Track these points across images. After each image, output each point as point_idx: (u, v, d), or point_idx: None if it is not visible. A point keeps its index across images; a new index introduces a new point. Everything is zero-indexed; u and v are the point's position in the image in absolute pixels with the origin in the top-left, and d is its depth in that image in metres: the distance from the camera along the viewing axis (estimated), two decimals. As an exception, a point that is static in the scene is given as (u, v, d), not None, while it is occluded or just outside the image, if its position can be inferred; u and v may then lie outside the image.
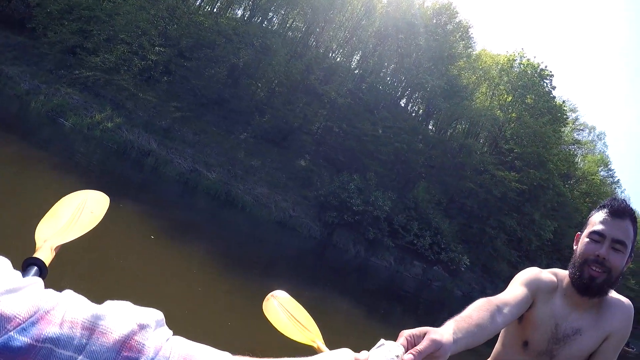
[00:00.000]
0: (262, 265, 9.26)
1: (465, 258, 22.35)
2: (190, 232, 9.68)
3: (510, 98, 27.04)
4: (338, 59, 28.00)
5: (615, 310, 1.63)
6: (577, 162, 38.39)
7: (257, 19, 27.13)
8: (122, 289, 5.14)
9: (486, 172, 24.00)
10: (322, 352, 1.66)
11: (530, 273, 1.70)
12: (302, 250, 17.14)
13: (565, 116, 29.74)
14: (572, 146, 38.52)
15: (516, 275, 1.73)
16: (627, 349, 39.69)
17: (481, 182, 23.76)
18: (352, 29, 27.24)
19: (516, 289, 1.62)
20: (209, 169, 19.05)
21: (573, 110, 39.57)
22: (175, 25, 21.85)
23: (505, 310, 1.44)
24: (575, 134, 39.57)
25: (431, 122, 29.28)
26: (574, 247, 1.64)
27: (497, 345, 1.79)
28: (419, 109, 30.09)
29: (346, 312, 7.71)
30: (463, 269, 22.60)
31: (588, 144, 41.85)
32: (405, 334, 0.95)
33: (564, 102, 29.69)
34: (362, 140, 22.81)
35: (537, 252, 29.42)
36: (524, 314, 1.62)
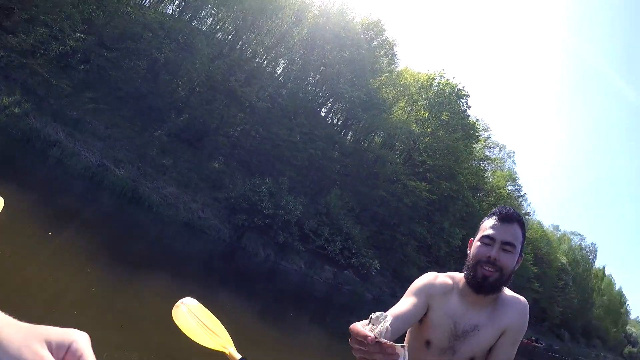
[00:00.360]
0: (170, 269, 8.80)
1: (375, 263, 22.97)
2: (92, 232, 9.01)
3: (426, 114, 28.31)
4: (264, 64, 28.00)
5: (510, 308, 1.76)
6: (487, 177, 40.87)
7: (187, 17, 26.55)
8: (11, 293, 4.68)
9: (399, 182, 24.91)
10: (234, 358, 1.96)
11: (424, 280, 1.83)
12: (211, 253, 16.72)
13: (477, 134, 31.64)
14: (483, 162, 40.99)
15: (413, 282, 1.86)
16: (536, 344, 42.50)
17: (393, 191, 24.62)
18: (280, 36, 27.38)
19: (408, 299, 1.74)
20: (118, 165, 18.22)
21: (485, 130, 42.20)
22: (101, 13, 20.80)
23: (397, 324, 1.54)
24: (486, 151, 42.21)
25: (350, 132, 30.02)
26: (468, 252, 1.76)
27: (406, 342, 1.86)
28: (338, 119, 30.75)
29: (256, 316, 7.54)
30: (374, 273, 23.21)
31: (498, 161, 44.71)
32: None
33: (477, 120, 31.63)
34: (278, 146, 22.86)
35: (447, 258, 30.87)
36: (423, 317, 1.75)
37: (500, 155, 45.60)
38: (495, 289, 1.70)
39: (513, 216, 1.70)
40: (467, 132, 29.51)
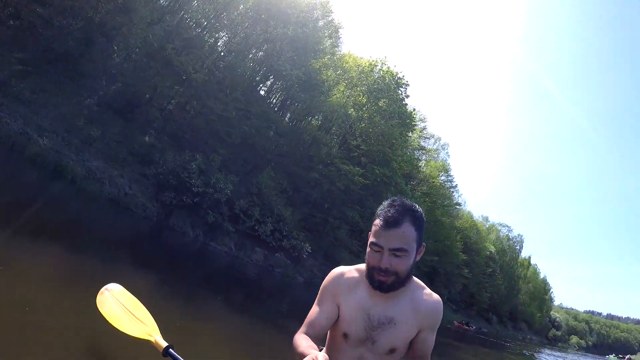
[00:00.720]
0: (94, 248, 8.02)
1: (307, 246, 22.83)
2: (7, 206, 7.98)
3: (364, 99, 28.30)
4: (205, 35, 26.77)
5: (426, 308, 1.81)
6: (420, 166, 41.84)
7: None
8: None
9: (333, 165, 24.81)
10: (160, 346, 2.00)
11: (329, 279, 1.90)
12: (137, 233, 15.85)
13: (413, 123, 32.13)
14: (418, 151, 41.89)
15: (323, 282, 1.95)
16: (466, 327, 44.64)
17: (327, 174, 24.48)
18: (224, 6, 26.20)
19: (317, 306, 1.83)
20: (41, 134, 16.83)
21: (422, 120, 43.26)
22: (35, -36, 18.75)
23: (317, 331, 1.74)
24: (421, 141, 43.16)
25: (288, 114, 29.62)
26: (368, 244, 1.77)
27: (327, 340, 1.92)
28: (277, 99, 30.21)
29: (184, 301, 7.02)
30: (305, 256, 23.10)
31: (432, 152, 45.91)
32: None
33: (414, 109, 32.04)
34: (212, 121, 22.11)
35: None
36: (339, 309, 1.82)
37: (435, 147, 46.92)
38: (394, 289, 1.72)
39: (399, 218, 1.66)
40: (403, 120, 29.77)
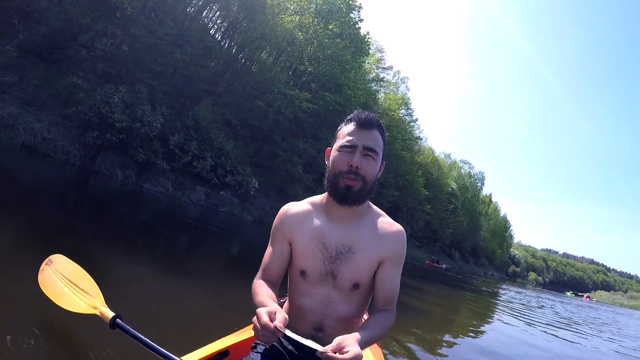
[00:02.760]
0: (16, 205, 6.53)
1: (253, 181, 20.84)
2: None
3: (311, 20, 25.67)
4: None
5: (387, 236, 1.66)
6: (379, 99, 40.02)
7: None
8: None
9: (279, 93, 22.56)
10: (107, 317, 1.98)
11: (277, 218, 1.75)
12: (59, 181, 13.71)
13: (367, 47, 29.63)
14: (376, 83, 39.90)
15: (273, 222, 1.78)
16: (438, 265, 44.52)
17: (272, 102, 22.24)
18: None
19: (270, 248, 1.73)
20: None
21: (380, 51, 40.90)
22: None
23: (272, 275, 1.70)
24: (380, 73, 40.93)
25: (233, 44, 26.69)
26: (326, 162, 1.67)
27: (288, 285, 1.78)
28: (218, 27, 27.21)
29: (122, 252, 5.81)
30: (252, 192, 21.17)
31: (391, 84, 43.99)
32: None
33: (367, 33, 29.49)
34: (136, 50, 19.40)
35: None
36: (292, 246, 1.70)
37: (394, 79, 44.97)
38: (361, 198, 1.60)
39: (372, 121, 1.60)
40: (356, 44, 27.44)
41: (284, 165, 23.71)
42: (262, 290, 1.56)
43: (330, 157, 1.63)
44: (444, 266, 47.35)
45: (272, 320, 1.29)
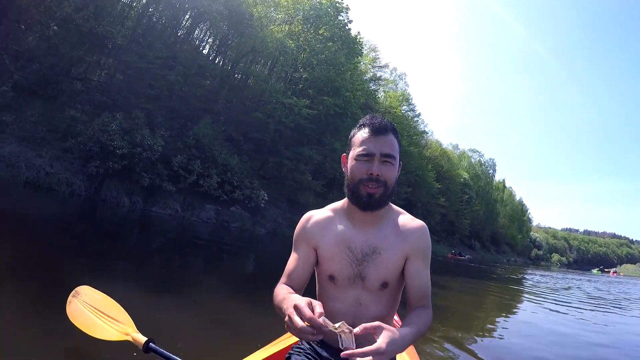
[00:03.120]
0: (27, 241, 6.54)
1: (262, 193, 20.63)
2: None
3: (300, 27, 25.53)
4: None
5: (409, 232, 1.66)
6: (379, 97, 39.73)
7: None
8: None
9: (277, 102, 22.37)
10: (140, 342, 2.02)
11: (299, 226, 1.74)
12: (65, 213, 13.61)
13: (359, 47, 29.40)
14: (374, 83, 39.63)
15: (295, 230, 1.77)
16: (460, 257, 44.69)
17: (271, 113, 22.06)
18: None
19: (294, 255, 1.72)
20: None
21: (373, 50, 40.70)
22: None
23: (296, 280, 1.66)
24: (376, 72, 40.68)
25: (225, 59, 26.63)
26: (343, 169, 1.67)
27: (317, 290, 1.77)
28: (210, 45, 27.13)
29: (144, 282, 5.74)
30: (263, 205, 20.96)
31: (390, 82, 43.70)
32: None
33: (358, 33, 29.27)
34: (128, 76, 19.39)
35: (342, 179, 29.44)
36: (317, 252, 1.69)
37: (392, 77, 44.66)
38: (383, 203, 1.61)
39: (387, 126, 1.60)
40: (348, 46, 27.22)
41: (291, 174, 23.50)
42: (283, 291, 1.54)
43: (349, 166, 1.63)
44: (467, 257, 46.89)
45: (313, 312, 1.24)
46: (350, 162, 1.61)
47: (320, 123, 24.51)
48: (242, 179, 20.15)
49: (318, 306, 1.24)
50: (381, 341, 1.23)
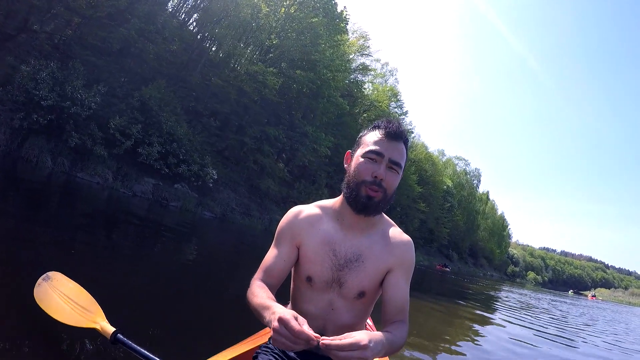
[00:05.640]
0: None
1: (212, 171, 18.05)
2: None
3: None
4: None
5: (396, 246, 1.64)
6: (366, 90, 37.46)
7: None
8: None
9: (240, 69, 19.81)
10: (107, 332, 2.01)
11: (286, 219, 1.70)
12: None
13: (343, 24, 26.76)
14: (361, 73, 37.22)
15: (279, 223, 1.72)
16: (444, 269, 43.72)
17: (233, 81, 19.41)
18: None
19: (274, 249, 1.66)
20: None
21: (364, 37, 38.20)
22: None
23: (274, 277, 1.61)
24: (365, 61, 38.17)
25: (194, 24, 23.92)
26: (346, 166, 1.64)
27: (291, 290, 1.77)
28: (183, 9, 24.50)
29: (54, 251, 4.92)
30: (211, 185, 18.40)
31: (379, 75, 41.37)
32: None
33: (345, 8, 26.68)
34: (76, 25, 16.85)
35: (317, 171, 27.06)
36: (300, 251, 1.65)
37: (382, 71, 42.37)
38: (379, 209, 1.59)
39: (402, 133, 1.57)
40: (332, 20, 24.61)
41: (252, 155, 20.84)
42: (262, 293, 1.47)
43: (353, 163, 1.59)
44: (449, 269, 46.58)
45: None
46: (356, 160, 1.57)
47: (291, 101, 22.07)
48: (190, 153, 17.55)
49: (305, 324, 1.19)
50: (360, 336, 1.18)
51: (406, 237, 1.68)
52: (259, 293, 1.46)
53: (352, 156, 1.61)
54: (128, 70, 17.89)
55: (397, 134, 1.53)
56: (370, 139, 1.55)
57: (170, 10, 23.33)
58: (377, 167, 1.50)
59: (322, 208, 1.69)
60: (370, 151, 1.52)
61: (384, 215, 1.69)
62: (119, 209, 13.14)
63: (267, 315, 1.30)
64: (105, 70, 16.93)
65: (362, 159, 1.53)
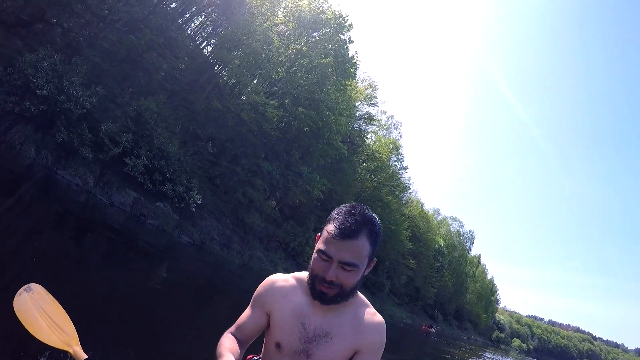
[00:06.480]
0: None
1: (196, 196, 17.48)
2: None
3: (293, 25, 22.89)
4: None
5: (366, 328, 1.63)
6: (368, 139, 37.35)
7: None
8: None
9: (241, 97, 19.53)
10: (80, 357, 1.94)
11: (261, 286, 1.74)
12: None
13: (352, 70, 26.73)
14: (365, 123, 37.21)
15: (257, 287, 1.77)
16: (430, 330, 43.20)
17: (233, 108, 19.05)
18: None
19: (248, 310, 1.74)
20: None
21: (372, 87, 38.45)
22: None
23: (244, 335, 1.71)
24: (370, 111, 38.24)
25: (206, 44, 23.91)
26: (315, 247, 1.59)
27: (262, 349, 1.78)
28: (201, 31, 24.55)
29: (19, 254, 4.83)
30: (194, 209, 17.80)
31: (383, 126, 41.44)
32: None
33: (356, 53, 26.70)
34: (87, 23, 16.88)
35: (307, 214, 26.48)
36: (270, 318, 1.69)
37: (386, 123, 42.48)
38: (336, 302, 1.58)
39: (356, 231, 1.48)
40: (341, 64, 24.58)
41: (242, 187, 20.29)
42: (226, 344, 1.59)
43: (313, 255, 1.58)
44: (434, 330, 45.46)
45: None
46: (314, 253, 1.56)
47: (290, 139, 21.75)
48: (178, 173, 17.05)
49: None
50: None
51: (378, 319, 1.67)
52: (223, 343, 1.58)
53: (317, 241, 1.58)
54: (131, 79, 17.73)
55: (351, 233, 1.45)
56: (325, 234, 1.51)
57: (189, 32, 23.52)
58: (327, 268, 1.48)
59: (298, 280, 1.70)
60: (320, 250, 1.50)
61: (359, 294, 1.67)
62: (95, 217, 12.72)
63: None
64: (108, 74, 16.82)
65: (316, 256, 1.53)
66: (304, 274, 1.70)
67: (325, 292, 1.51)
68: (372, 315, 1.66)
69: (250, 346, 1.80)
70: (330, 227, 1.49)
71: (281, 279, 1.72)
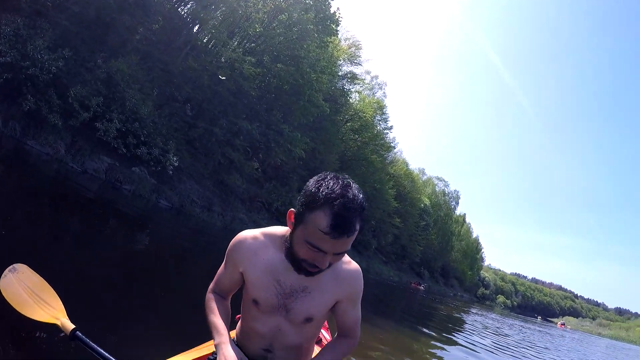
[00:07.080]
0: None
1: (173, 158, 17.08)
2: None
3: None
4: None
5: (344, 277, 1.64)
6: (351, 98, 36.76)
7: None
8: None
9: (217, 54, 18.87)
10: (67, 329, 1.99)
11: (232, 244, 1.70)
12: None
13: (334, 26, 25.90)
14: (348, 82, 36.45)
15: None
16: (418, 287, 44.68)
17: (207, 65, 18.42)
18: None
19: (223, 268, 1.75)
20: None
21: (356, 46, 37.52)
22: None
23: (224, 291, 1.77)
24: (355, 69, 37.44)
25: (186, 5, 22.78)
26: (288, 224, 1.52)
27: (242, 306, 1.78)
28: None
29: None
30: (171, 172, 17.44)
31: (367, 85, 40.81)
32: None
33: (338, 9, 25.87)
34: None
35: (287, 171, 26.20)
36: (244, 276, 1.68)
37: (371, 83, 41.80)
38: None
39: (353, 226, 1.36)
40: (322, 20, 23.76)
41: (221, 147, 19.84)
42: (217, 312, 1.66)
43: (295, 239, 1.47)
44: (423, 287, 46.58)
45: None
46: (297, 238, 1.44)
47: (270, 98, 21.22)
48: (153, 136, 16.58)
49: None
50: None
51: (354, 267, 1.67)
52: (215, 311, 1.64)
53: (295, 221, 1.45)
54: (101, 40, 16.93)
55: (347, 231, 1.35)
56: (316, 227, 1.34)
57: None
58: (319, 258, 1.41)
59: (268, 236, 1.66)
60: (311, 244, 1.39)
61: None
62: (68, 185, 12.31)
63: (216, 341, 1.54)
64: (77, 37, 16.02)
65: (304, 243, 1.41)
66: (275, 229, 1.66)
67: (312, 272, 1.48)
68: (348, 264, 1.66)
69: (238, 306, 1.82)
70: (322, 222, 1.34)
71: (249, 236, 1.66)
